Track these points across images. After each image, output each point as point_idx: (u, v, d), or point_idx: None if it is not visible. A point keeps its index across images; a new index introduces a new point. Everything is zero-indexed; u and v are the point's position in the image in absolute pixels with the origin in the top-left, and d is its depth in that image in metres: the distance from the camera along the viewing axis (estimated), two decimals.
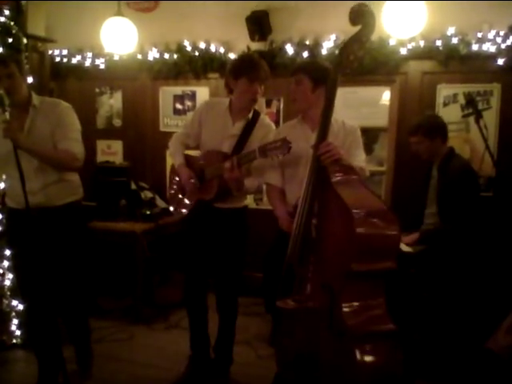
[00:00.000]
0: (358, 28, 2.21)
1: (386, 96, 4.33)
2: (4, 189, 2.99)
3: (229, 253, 2.94)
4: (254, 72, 2.76)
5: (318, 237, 2.28)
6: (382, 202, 2.30)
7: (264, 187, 3.12)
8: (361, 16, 2.17)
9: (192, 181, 2.88)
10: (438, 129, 3.42)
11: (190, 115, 3.41)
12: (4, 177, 2.95)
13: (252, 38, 4.47)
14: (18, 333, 3.50)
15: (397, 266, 2.13)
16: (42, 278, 2.71)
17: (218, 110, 2.94)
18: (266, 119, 2.98)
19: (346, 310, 2.10)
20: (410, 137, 3.50)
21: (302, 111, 2.76)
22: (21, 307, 3.46)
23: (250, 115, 2.88)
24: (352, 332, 2.08)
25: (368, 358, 2.06)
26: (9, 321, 3.48)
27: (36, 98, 2.82)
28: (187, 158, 3.02)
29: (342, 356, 2.10)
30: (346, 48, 2.21)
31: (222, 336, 3.10)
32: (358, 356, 2.05)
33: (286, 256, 2.40)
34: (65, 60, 5.03)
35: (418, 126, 3.45)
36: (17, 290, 3.45)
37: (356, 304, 2.12)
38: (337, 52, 2.36)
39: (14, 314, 3.48)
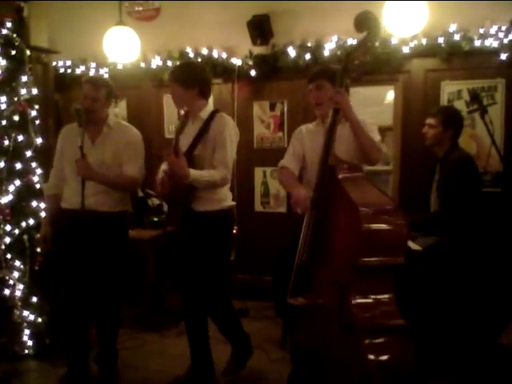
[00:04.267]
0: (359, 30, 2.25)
1: (390, 95, 4.33)
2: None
3: (199, 257, 2.92)
4: None
5: (325, 234, 2.32)
6: (388, 197, 2.34)
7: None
8: (366, 22, 2.23)
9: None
10: (455, 122, 3.48)
11: None
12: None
13: (254, 42, 4.49)
14: (29, 343, 3.50)
15: (405, 262, 2.16)
16: (82, 283, 2.88)
17: None
18: (221, 116, 2.99)
19: (354, 304, 2.14)
20: (429, 117, 3.53)
21: (327, 115, 2.75)
22: (32, 317, 3.48)
23: (206, 115, 2.99)
24: (360, 326, 2.10)
25: (377, 352, 2.07)
26: (20, 331, 3.49)
27: (112, 120, 3.17)
28: None
29: (352, 351, 2.12)
30: (351, 53, 2.27)
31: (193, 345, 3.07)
32: (367, 350, 2.07)
33: (297, 256, 2.42)
34: (69, 71, 5.07)
35: (440, 110, 3.52)
36: (28, 301, 3.48)
37: (364, 299, 2.16)
38: (341, 54, 2.42)
39: (25, 324, 3.49)
